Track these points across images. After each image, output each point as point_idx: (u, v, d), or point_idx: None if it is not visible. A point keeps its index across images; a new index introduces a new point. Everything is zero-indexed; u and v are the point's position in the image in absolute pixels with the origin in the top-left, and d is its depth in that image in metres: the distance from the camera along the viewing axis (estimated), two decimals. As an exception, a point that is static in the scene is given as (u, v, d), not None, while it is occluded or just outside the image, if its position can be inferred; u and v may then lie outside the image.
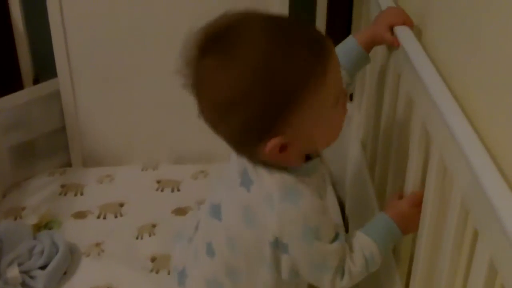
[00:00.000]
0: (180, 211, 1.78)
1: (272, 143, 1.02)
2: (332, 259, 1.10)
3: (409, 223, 1.18)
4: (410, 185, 1.18)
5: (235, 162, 1.14)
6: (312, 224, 1.08)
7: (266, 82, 0.98)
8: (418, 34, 1.27)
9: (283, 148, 1.04)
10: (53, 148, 2.00)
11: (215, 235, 1.17)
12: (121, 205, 1.80)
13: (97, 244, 1.65)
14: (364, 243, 1.16)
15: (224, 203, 1.16)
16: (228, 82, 0.99)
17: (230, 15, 1.03)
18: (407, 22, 1.28)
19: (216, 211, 1.17)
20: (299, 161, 1.10)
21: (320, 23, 1.85)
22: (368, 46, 1.30)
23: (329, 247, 1.10)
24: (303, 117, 1.02)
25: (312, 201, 1.08)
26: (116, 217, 1.77)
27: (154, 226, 1.71)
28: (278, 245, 1.08)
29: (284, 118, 1.01)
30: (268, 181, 1.08)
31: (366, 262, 1.15)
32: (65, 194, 1.86)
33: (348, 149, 1.77)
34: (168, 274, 1.53)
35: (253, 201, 1.10)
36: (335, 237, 1.11)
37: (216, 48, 1.01)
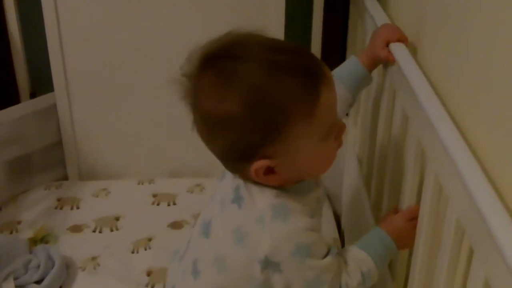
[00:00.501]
0: (176, 225, 1.78)
1: (257, 165, 1.03)
2: (325, 275, 1.10)
3: (404, 238, 1.18)
4: (406, 201, 1.18)
5: (229, 179, 1.14)
6: (304, 242, 1.07)
7: (255, 107, 0.99)
8: (413, 50, 1.28)
9: (269, 171, 1.04)
10: (50, 162, 2.00)
11: (202, 253, 1.16)
12: (117, 219, 1.80)
13: (93, 258, 1.65)
14: (361, 258, 1.16)
15: (214, 220, 1.15)
16: (220, 100, 1.00)
17: (234, 35, 1.04)
18: (401, 38, 1.29)
19: (205, 229, 1.17)
20: (289, 184, 1.10)
21: (316, 40, 1.86)
22: (371, 65, 1.31)
23: (321, 263, 1.09)
24: (289, 145, 1.02)
25: (303, 219, 1.08)
26: (112, 231, 1.77)
27: (150, 240, 1.71)
28: (268, 264, 1.08)
29: (270, 143, 1.01)
30: (259, 199, 1.08)
31: (363, 277, 1.15)
32: (61, 208, 1.86)
33: (344, 164, 1.77)
34: (164, 288, 1.53)
35: (244, 220, 1.09)
36: (327, 253, 1.11)
37: (216, 64, 1.02)
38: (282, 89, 0.99)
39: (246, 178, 1.09)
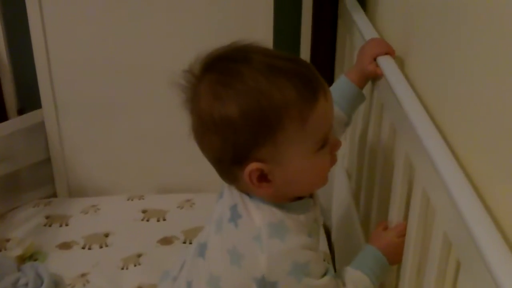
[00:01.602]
0: (166, 241, 1.77)
1: (251, 167, 1.03)
2: None
3: (396, 254, 1.18)
4: (394, 214, 1.18)
5: (227, 198, 1.13)
6: (301, 260, 1.07)
7: (250, 108, 0.99)
8: (401, 63, 1.28)
9: (262, 178, 1.04)
10: (38, 179, 1.99)
11: (197, 274, 1.16)
12: (107, 235, 1.80)
13: (82, 275, 1.64)
14: (357, 278, 1.16)
15: (210, 242, 1.15)
16: (217, 99, 1.01)
17: (238, 44, 1.07)
18: (389, 51, 1.29)
19: (201, 250, 1.16)
20: (285, 199, 1.10)
21: (304, 55, 1.86)
22: (361, 82, 1.31)
23: (319, 282, 1.09)
24: (282, 150, 1.02)
25: (300, 237, 1.08)
26: (101, 247, 1.76)
27: (139, 256, 1.71)
28: (265, 284, 1.07)
29: (263, 145, 1.02)
30: (256, 216, 1.08)
31: None
32: (50, 225, 1.85)
33: (333, 178, 1.77)
34: (153, 305, 1.52)
35: (241, 239, 1.09)
36: (325, 273, 1.10)
37: (216, 67, 1.04)
38: (279, 92, 1.00)
39: (241, 186, 1.09)
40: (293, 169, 1.05)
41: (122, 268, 1.67)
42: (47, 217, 1.88)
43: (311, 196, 1.16)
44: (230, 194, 1.12)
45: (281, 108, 1.00)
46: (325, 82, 1.07)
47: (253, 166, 1.03)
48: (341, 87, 1.30)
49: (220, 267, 1.11)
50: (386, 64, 1.25)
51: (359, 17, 1.51)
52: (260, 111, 1.00)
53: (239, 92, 1.00)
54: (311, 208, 1.14)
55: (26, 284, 1.51)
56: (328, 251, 1.75)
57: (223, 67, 1.04)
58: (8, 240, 1.77)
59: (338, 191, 1.73)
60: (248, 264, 1.07)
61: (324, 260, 1.68)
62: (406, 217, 1.15)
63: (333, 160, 1.11)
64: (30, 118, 1.94)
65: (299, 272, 1.06)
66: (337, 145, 1.11)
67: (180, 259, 1.26)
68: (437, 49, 1.11)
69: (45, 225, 1.85)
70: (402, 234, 1.16)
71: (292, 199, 1.11)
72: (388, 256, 1.19)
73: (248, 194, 1.09)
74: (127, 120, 1.92)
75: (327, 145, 1.07)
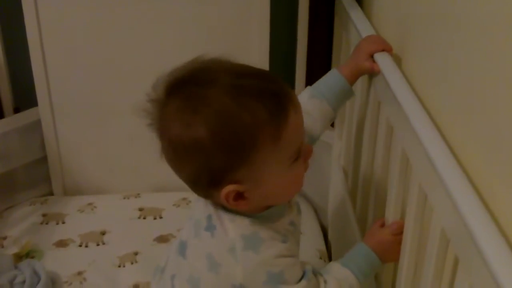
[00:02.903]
0: (163, 239, 1.78)
1: (227, 189, 1.02)
2: None
3: (389, 252, 1.19)
4: (391, 212, 1.19)
5: (202, 205, 1.14)
6: (276, 270, 1.07)
7: (221, 132, 0.98)
8: (398, 60, 1.28)
9: (239, 196, 1.04)
10: (34, 178, 1.99)
11: (179, 271, 1.16)
12: (103, 233, 1.80)
13: (79, 273, 1.64)
14: (343, 276, 1.16)
15: (190, 243, 1.15)
16: (187, 126, 1.00)
17: (200, 61, 1.05)
18: (386, 48, 1.29)
19: (182, 248, 1.17)
20: (259, 209, 1.10)
21: (301, 53, 1.87)
22: (353, 78, 1.30)
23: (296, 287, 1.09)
24: (257, 169, 1.02)
25: (274, 246, 1.08)
26: (98, 245, 1.76)
27: (136, 254, 1.71)
28: None
29: (238, 168, 1.01)
30: (230, 228, 1.08)
31: None
32: (46, 223, 1.85)
33: (330, 176, 1.77)
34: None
35: (217, 249, 1.09)
36: (302, 276, 1.11)
37: (181, 91, 1.02)
38: (248, 113, 0.98)
39: (216, 204, 1.10)
40: (270, 185, 1.05)
41: (119, 266, 1.68)
42: (43, 215, 1.88)
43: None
44: (205, 202, 1.12)
45: (253, 130, 0.99)
46: (293, 92, 1.06)
47: (229, 188, 1.02)
48: (332, 81, 1.29)
49: (199, 270, 1.11)
50: (383, 60, 1.25)
51: (355, 14, 1.51)
52: (231, 135, 0.99)
53: (207, 117, 0.99)
54: (285, 213, 1.14)
55: (23, 282, 1.51)
56: (324, 248, 1.76)
57: (187, 92, 1.02)
58: (4, 238, 1.77)
59: (334, 189, 1.73)
60: (225, 273, 1.08)
61: (320, 258, 1.69)
62: (403, 214, 1.15)
63: (306, 168, 1.11)
64: (26, 116, 1.94)
65: (275, 281, 1.07)
66: (309, 152, 1.10)
67: (167, 252, 1.26)
68: (434, 45, 1.11)
69: (41, 223, 1.85)
70: (397, 232, 1.16)
71: (266, 208, 1.11)
72: (379, 254, 1.20)
73: (222, 206, 1.09)
74: (123, 118, 1.91)
75: (300, 156, 1.07)
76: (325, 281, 1.14)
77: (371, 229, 1.25)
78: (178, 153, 1.03)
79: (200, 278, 1.11)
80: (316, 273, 1.15)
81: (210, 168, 1.01)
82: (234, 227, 1.08)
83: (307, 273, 1.11)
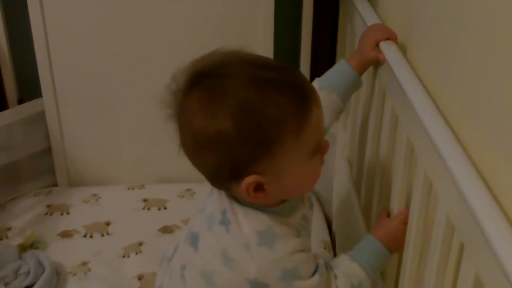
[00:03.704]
0: (167, 229, 1.78)
1: (248, 180, 1.02)
2: None
3: (397, 242, 1.18)
4: (396, 201, 1.18)
5: (217, 199, 1.13)
6: (290, 266, 1.07)
7: (245, 124, 0.98)
8: (403, 49, 1.28)
9: (258, 187, 1.04)
10: (39, 169, 1.99)
11: (190, 262, 1.16)
12: (108, 224, 1.80)
13: (84, 263, 1.64)
14: (352, 271, 1.16)
15: (202, 236, 1.15)
16: (210, 118, 0.99)
17: (222, 53, 1.04)
18: (390, 36, 1.29)
19: (193, 240, 1.16)
20: (275, 203, 1.10)
21: (305, 43, 1.86)
22: (361, 69, 1.30)
23: (309, 283, 1.09)
24: (279, 161, 1.02)
25: (288, 242, 1.08)
26: (102, 236, 1.76)
27: (140, 244, 1.71)
28: (258, 285, 1.08)
29: (260, 160, 1.01)
30: (245, 224, 1.08)
31: None
32: (51, 214, 1.85)
33: (334, 167, 1.77)
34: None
35: (231, 245, 1.09)
36: (315, 271, 1.11)
37: (203, 84, 1.01)
38: (273, 106, 0.99)
39: (231, 197, 1.10)
40: (290, 178, 1.05)
41: (123, 257, 1.68)
42: (48, 206, 1.88)
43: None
44: (219, 197, 1.12)
45: (277, 123, 0.99)
46: (313, 86, 1.06)
47: (251, 179, 1.02)
48: (340, 72, 1.29)
49: (213, 264, 1.11)
50: (388, 49, 1.25)
51: (360, 3, 1.51)
52: (256, 127, 0.99)
53: (233, 109, 0.98)
54: (298, 207, 1.14)
55: (28, 272, 1.51)
56: (328, 239, 1.76)
57: (210, 83, 1.01)
58: (9, 229, 1.77)
59: (339, 181, 1.73)
60: (240, 268, 1.08)
61: (324, 248, 1.69)
62: (407, 203, 1.14)
63: (323, 162, 1.11)
64: (30, 107, 1.94)
65: (289, 277, 1.07)
66: (326, 147, 1.10)
67: (175, 241, 1.26)
68: (439, 34, 1.11)
69: (46, 214, 1.85)
70: (405, 222, 1.15)
71: (280, 202, 1.11)
72: (389, 245, 1.19)
73: (236, 199, 1.09)
74: (127, 109, 1.91)
75: (319, 150, 1.07)
76: (335, 276, 1.15)
77: (378, 220, 1.24)
78: (201, 144, 1.02)
79: (213, 272, 1.11)
80: (327, 267, 1.15)
81: (233, 160, 1.01)
82: (248, 222, 1.08)
83: (320, 267, 1.11)
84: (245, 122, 0.98)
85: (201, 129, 1.00)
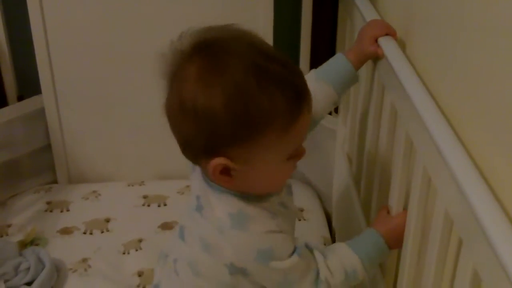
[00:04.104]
0: (167, 226, 1.78)
1: (217, 161, 1.02)
2: (291, 274, 1.10)
3: (398, 239, 1.17)
4: (395, 196, 1.18)
5: (192, 187, 1.14)
6: (265, 246, 1.07)
7: (237, 106, 0.98)
8: (402, 45, 1.28)
9: (225, 171, 1.03)
10: (39, 166, 1.99)
11: (180, 255, 1.17)
12: (108, 220, 1.80)
13: (84, 260, 1.64)
14: (347, 257, 1.16)
15: (186, 227, 1.16)
16: (205, 88, 0.99)
17: (235, 29, 1.04)
18: (390, 32, 1.28)
19: (181, 232, 1.17)
20: (245, 191, 1.09)
21: (305, 38, 1.86)
22: (358, 63, 1.29)
23: (286, 264, 1.08)
24: (254, 154, 1.02)
25: (261, 222, 1.08)
26: (102, 232, 1.76)
27: (140, 241, 1.71)
28: (236, 270, 1.08)
29: (238, 146, 1.01)
30: (217, 208, 1.08)
31: (346, 276, 1.15)
32: (51, 211, 1.85)
33: (334, 162, 1.77)
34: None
35: (206, 230, 1.10)
36: (293, 251, 1.10)
37: (207, 53, 1.01)
38: (267, 99, 0.98)
39: (202, 169, 1.09)
40: (259, 173, 1.05)
41: (123, 253, 1.68)
42: (48, 203, 1.88)
43: None
44: (195, 181, 1.13)
45: (267, 116, 0.99)
46: (309, 90, 1.05)
47: (220, 160, 1.02)
48: (337, 65, 1.29)
49: (195, 252, 1.12)
50: (387, 45, 1.24)
51: (360, -1, 1.51)
52: (245, 113, 0.98)
53: (228, 87, 0.98)
54: (273, 194, 1.13)
55: (28, 269, 1.51)
56: (328, 235, 1.76)
57: (215, 54, 1.00)
58: (9, 226, 1.78)
59: (338, 177, 1.73)
60: (217, 253, 1.09)
61: (324, 244, 1.69)
62: (407, 198, 1.14)
63: (294, 168, 1.11)
64: (30, 104, 1.94)
65: (265, 258, 1.07)
66: (302, 154, 1.09)
67: (172, 237, 1.27)
68: (438, 29, 1.11)
69: (46, 211, 1.85)
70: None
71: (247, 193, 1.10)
72: (390, 241, 1.19)
73: (209, 181, 1.09)
74: (127, 105, 1.91)
75: (295, 156, 1.07)
76: (325, 256, 1.14)
77: (379, 216, 1.24)
78: (185, 110, 1.00)
79: (197, 261, 1.12)
80: (311, 249, 1.14)
81: (211, 135, 1.00)
82: (220, 206, 1.08)
83: (298, 248, 1.10)
84: (237, 104, 0.97)
85: (191, 96, 0.99)
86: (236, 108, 0.98)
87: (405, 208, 1.17)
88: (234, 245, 1.07)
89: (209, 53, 1.01)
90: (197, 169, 1.13)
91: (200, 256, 1.11)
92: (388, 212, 1.23)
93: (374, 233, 1.20)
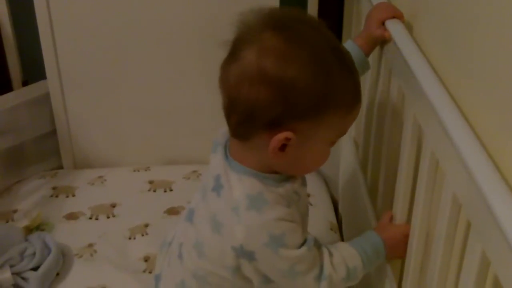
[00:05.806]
0: (173, 211, 1.77)
1: (283, 135, 1.02)
2: (299, 265, 1.10)
3: (395, 249, 1.20)
4: (402, 180, 1.18)
5: (212, 167, 1.14)
6: (277, 232, 1.07)
7: (316, 83, 1.00)
8: (409, 27, 1.27)
9: (282, 146, 1.04)
10: (44, 151, 1.98)
11: (186, 237, 1.18)
12: (113, 206, 1.80)
13: (90, 245, 1.64)
14: (350, 256, 1.17)
15: (197, 207, 1.17)
16: (287, 59, 1.00)
17: (304, 12, 1.10)
18: (397, 14, 1.28)
19: (190, 215, 1.19)
20: (271, 171, 1.10)
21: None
22: (368, 48, 1.30)
23: (295, 253, 1.09)
24: (314, 130, 1.04)
25: (277, 209, 1.08)
26: (108, 218, 1.76)
27: (146, 226, 1.71)
28: (244, 253, 1.08)
29: (305, 119, 1.03)
30: (236, 188, 1.09)
31: (348, 273, 1.15)
32: (56, 196, 1.85)
33: (340, 147, 1.76)
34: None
35: (221, 209, 1.10)
36: (303, 243, 1.11)
37: (284, 28, 1.02)
38: (342, 79, 1.03)
39: (243, 146, 1.09)
40: (308, 152, 1.07)
41: (129, 238, 1.68)
42: (53, 188, 1.87)
43: None
44: (216, 160, 1.13)
45: (340, 97, 1.04)
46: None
47: (287, 134, 1.02)
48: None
49: (203, 233, 1.13)
50: (395, 27, 1.24)
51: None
52: (326, 89, 1.01)
53: (315, 63, 1.01)
54: (290, 180, 1.13)
55: (34, 254, 1.51)
56: (335, 220, 1.75)
57: (298, 30, 1.03)
58: (15, 211, 1.77)
59: (345, 162, 1.72)
60: (227, 234, 1.09)
61: (331, 229, 1.69)
62: (414, 183, 1.14)
63: (329, 153, 1.14)
64: (34, 89, 1.93)
65: (275, 244, 1.07)
66: (335, 142, 1.13)
67: (175, 226, 1.27)
68: (445, 12, 1.10)
69: (51, 196, 1.85)
70: (408, 233, 1.16)
71: (273, 172, 1.11)
72: (388, 249, 1.20)
73: (232, 161, 1.10)
74: (133, 90, 1.91)
75: (334, 142, 1.11)
76: (330, 254, 1.15)
77: (381, 223, 1.26)
78: (265, 78, 1.00)
79: (203, 242, 1.13)
80: (319, 245, 1.15)
81: (289, 105, 1.01)
82: (240, 187, 1.08)
83: (308, 241, 1.11)
84: (321, 79, 1.01)
85: (273, 65, 0.99)
86: (320, 82, 1.01)
87: (407, 221, 1.18)
88: (248, 226, 1.07)
89: (290, 29, 1.03)
90: (219, 149, 1.13)
91: (208, 237, 1.12)
92: (391, 220, 1.24)
93: (375, 236, 1.21)
